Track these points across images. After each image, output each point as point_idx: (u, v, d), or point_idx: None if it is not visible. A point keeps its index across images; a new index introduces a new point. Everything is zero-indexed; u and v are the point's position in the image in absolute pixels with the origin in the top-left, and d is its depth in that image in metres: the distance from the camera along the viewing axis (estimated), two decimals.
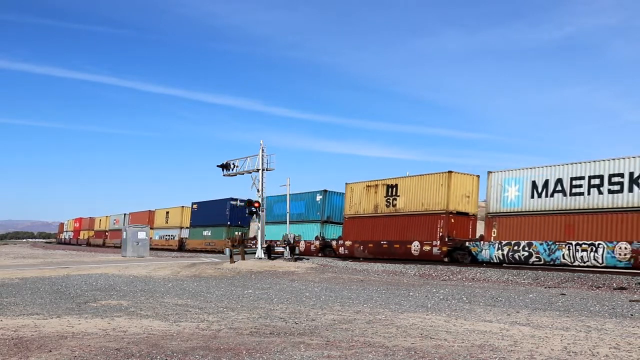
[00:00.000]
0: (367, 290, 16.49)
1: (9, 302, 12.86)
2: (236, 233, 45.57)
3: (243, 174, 33.16)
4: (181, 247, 54.06)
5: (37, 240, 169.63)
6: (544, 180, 24.42)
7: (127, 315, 10.65)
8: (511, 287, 18.34)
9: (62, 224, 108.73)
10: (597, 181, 22.56)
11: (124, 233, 40.31)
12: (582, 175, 23.10)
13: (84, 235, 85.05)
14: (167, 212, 58.81)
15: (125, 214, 69.17)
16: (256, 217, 32.02)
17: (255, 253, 31.67)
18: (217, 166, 34.14)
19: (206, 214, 50.85)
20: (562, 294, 15.89)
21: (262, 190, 31.81)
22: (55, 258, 37.91)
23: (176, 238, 55.55)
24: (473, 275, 22.26)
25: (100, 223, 78.33)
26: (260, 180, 31.73)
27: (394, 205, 31.24)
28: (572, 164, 23.71)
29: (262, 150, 31.65)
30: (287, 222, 35.40)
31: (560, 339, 8.43)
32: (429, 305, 12.96)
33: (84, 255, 44.43)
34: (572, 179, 23.47)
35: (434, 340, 8.23)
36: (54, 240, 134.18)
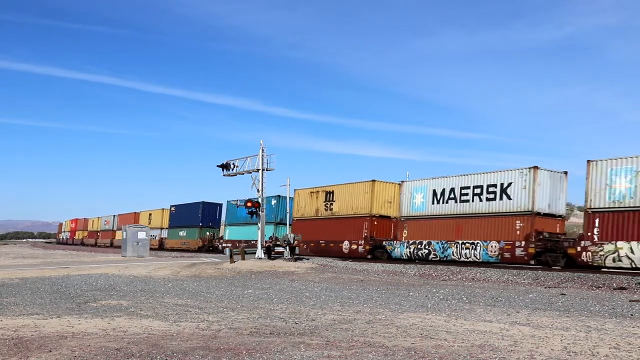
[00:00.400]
0: (367, 290, 16.49)
1: (9, 302, 12.86)
2: (207, 233, 50.15)
3: (243, 174, 33.18)
4: (161, 246, 57.38)
5: (37, 240, 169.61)
6: (441, 189, 29.20)
7: (127, 315, 10.65)
8: (511, 287, 18.35)
9: (60, 224, 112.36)
10: (478, 190, 27.45)
11: (124, 233, 40.31)
12: (469, 185, 27.87)
13: (79, 235, 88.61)
14: (150, 214, 62.22)
15: (114, 216, 72.64)
16: (256, 217, 32.03)
17: (255, 253, 31.69)
18: (217, 166, 34.17)
19: (182, 216, 54.57)
20: (562, 294, 15.90)
21: (262, 190, 31.83)
22: (55, 258, 37.92)
23: (157, 238, 58.65)
24: (473, 275, 22.27)
25: (92, 224, 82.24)
26: (260, 180, 31.73)
27: (331, 209, 35.68)
28: (462, 175, 28.51)
29: (262, 150, 31.66)
30: (287, 223, 35.42)
31: (560, 339, 8.43)
32: (429, 305, 12.96)
33: (83, 255, 44.43)
34: (461, 188, 28.23)
35: (434, 340, 8.23)
36: (54, 240, 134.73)
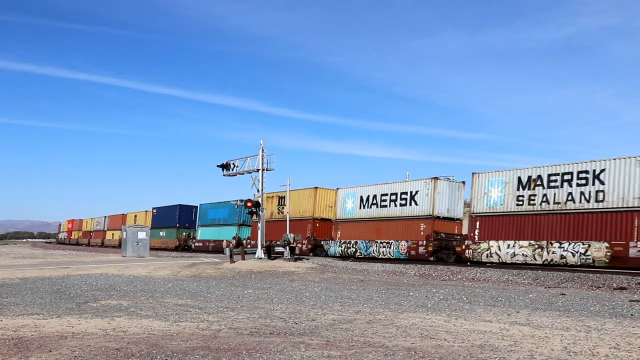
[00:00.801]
0: (367, 290, 16.48)
1: (9, 302, 12.86)
2: (183, 233, 54.97)
3: (243, 174, 33.17)
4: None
5: (37, 240, 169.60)
6: (366, 195, 34.09)
7: (127, 315, 10.65)
8: (511, 287, 18.35)
9: (59, 225, 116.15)
10: (394, 197, 32.42)
11: (124, 233, 40.32)
12: (387, 192, 32.85)
13: (74, 235, 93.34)
14: (135, 216, 66.35)
15: (105, 217, 77.38)
16: (256, 217, 32.03)
17: (255, 253, 31.68)
18: (217, 166, 34.15)
19: (162, 217, 59.36)
20: (562, 294, 15.90)
21: (262, 190, 31.82)
22: (55, 258, 37.91)
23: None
24: (473, 275, 22.27)
25: (86, 224, 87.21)
26: (260, 180, 31.73)
27: (282, 212, 39.70)
28: (382, 184, 33.37)
29: (262, 150, 31.64)
30: (287, 222, 35.45)
31: (560, 339, 8.43)
32: (429, 305, 12.96)
33: (83, 255, 44.43)
34: (381, 195, 33.16)
35: (434, 340, 8.23)
36: (53, 240, 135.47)
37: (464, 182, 31.54)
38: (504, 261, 25.35)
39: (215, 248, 47.46)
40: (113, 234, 71.77)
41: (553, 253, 23.70)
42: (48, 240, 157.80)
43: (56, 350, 7.25)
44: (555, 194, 24.21)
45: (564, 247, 23.44)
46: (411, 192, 31.45)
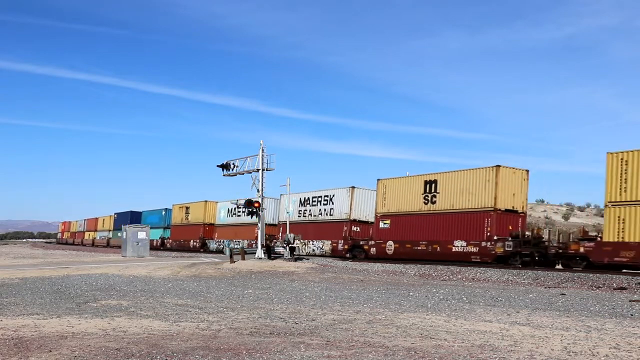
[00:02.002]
0: (367, 290, 16.49)
1: (9, 302, 12.86)
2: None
3: (243, 174, 33.15)
4: (108, 244, 74.03)
5: (37, 240, 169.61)
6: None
7: (127, 315, 10.65)
8: (511, 287, 18.35)
9: (59, 225, 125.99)
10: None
11: (124, 233, 40.33)
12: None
13: (65, 235, 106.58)
14: (104, 219, 79.66)
15: (85, 220, 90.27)
16: (256, 217, 32.03)
17: (255, 253, 31.69)
18: (217, 166, 34.14)
19: (120, 221, 69.79)
20: (562, 294, 15.90)
21: (262, 190, 31.80)
22: (55, 258, 37.92)
23: (106, 238, 76.64)
24: (473, 275, 22.28)
25: (73, 226, 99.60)
26: (260, 180, 31.72)
27: (188, 219, 54.74)
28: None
29: (262, 150, 31.64)
30: (287, 223, 35.45)
31: (560, 339, 8.43)
32: (429, 305, 12.96)
33: (83, 255, 44.44)
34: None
35: (434, 340, 8.23)
36: (53, 240, 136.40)
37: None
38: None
39: (152, 246, 61.72)
40: (89, 234, 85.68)
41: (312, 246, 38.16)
42: (48, 240, 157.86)
43: (56, 350, 7.25)
44: (312, 210, 39.31)
45: (314, 243, 38.18)
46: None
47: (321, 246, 37.78)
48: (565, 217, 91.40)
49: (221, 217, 49.46)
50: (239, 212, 44.92)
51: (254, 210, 31.47)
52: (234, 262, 28.31)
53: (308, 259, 32.13)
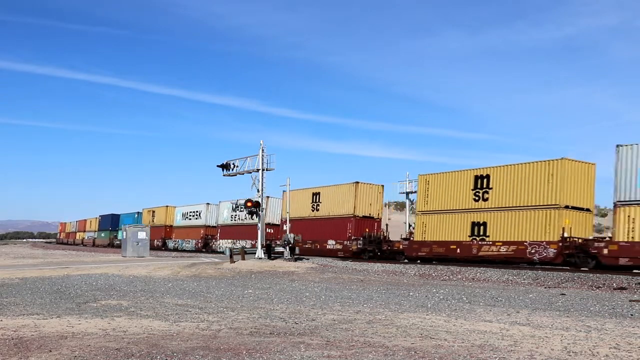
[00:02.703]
0: (367, 290, 16.48)
1: (9, 302, 12.85)
2: (111, 235, 74.12)
3: (243, 174, 33.15)
4: (94, 244, 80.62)
5: (37, 240, 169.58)
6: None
7: (127, 315, 10.65)
8: (511, 287, 18.34)
9: (59, 225, 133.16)
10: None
11: (124, 233, 40.33)
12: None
13: (62, 235, 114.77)
14: (91, 221, 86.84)
15: (77, 221, 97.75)
16: (256, 216, 32.02)
17: (254, 253, 31.69)
18: (217, 166, 34.14)
19: (103, 223, 78.52)
20: (562, 294, 15.90)
21: (262, 190, 31.80)
22: (55, 258, 37.91)
23: (92, 238, 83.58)
24: (473, 275, 22.27)
25: (68, 227, 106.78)
26: (260, 180, 31.71)
27: (154, 221, 61.06)
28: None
29: (262, 150, 31.63)
30: (287, 222, 35.45)
31: (560, 339, 8.43)
32: (429, 305, 12.95)
33: (83, 255, 44.43)
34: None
35: (434, 340, 8.23)
36: (53, 240, 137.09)
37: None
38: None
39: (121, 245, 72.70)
40: (80, 234, 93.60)
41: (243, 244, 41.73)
42: (48, 240, 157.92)
43: (56, 350, 7.25)
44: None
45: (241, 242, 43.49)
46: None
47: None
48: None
49: (177, 220, 59.83)
50: (190, 216, 55.98)
51: (254, 210, 31.47)
52: (234, 262, 28.31)
53: (308, 259, 32.13)
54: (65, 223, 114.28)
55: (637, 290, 16.92)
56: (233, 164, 33.58)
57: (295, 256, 31.45)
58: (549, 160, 24.76)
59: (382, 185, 36.76)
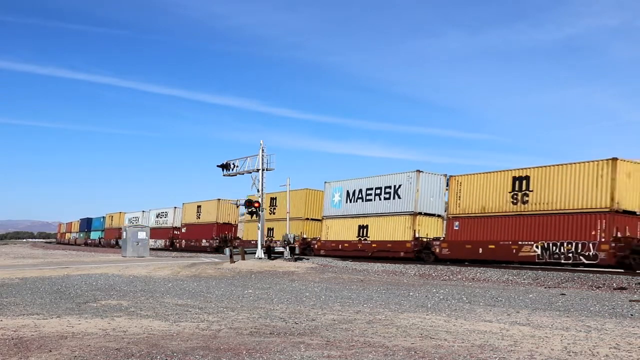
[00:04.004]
0: (367, 290, 16.48)
1: (9, 302, 12.85)
2: (86, 235, 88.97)
3: (243, 174, 33.16)
4: (75, 243, 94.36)
5: (37, 240, 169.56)
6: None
7: (127, 315, 10.65)
8: (511, 287, 18.34)
9: (59, 225, 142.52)
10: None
11: (124, 233, 40.34)
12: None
13: (59, 235, 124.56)
14: (74, 223, 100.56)
15: (67, 223, 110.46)
16: (256, 216, 32.02)
17: (255, 253, 31.69)
18: (217, 166, 34.14)
19: (83, 225, 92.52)
20: (562, 294, 15.90)
21: (262, 190, 31.81)
22: (55, 258, 37.91)
23: (74, 238, 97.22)
24: (473, 275, 22.27)
25: (62, 227, 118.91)
26: (260, 180, 31.72)
27: (112, 224, 75.73)
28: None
29: (262, 150, 31.63)
30: (287, 221, 35.46)
31: (560, 339, 8.43)
32: (429, 305, 12.95)
33: (83, 255, 44.43)
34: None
35: (434, 340, 8.23)
36: (53, 240, 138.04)
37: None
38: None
39: (93, 243, 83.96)
40: (68, 234, 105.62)
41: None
42: (48, 240, 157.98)
43: (56, 350, 7.25)
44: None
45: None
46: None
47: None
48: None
49: (127, 221, 69.02)
50: (141, 219, 66.81)
51: (254, 210, 31.48)
52: (234, 262, 28.30)
53: (308, 259, 32.13)
54: (60, 224, 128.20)
55: (637, 290, 16.92)
56: (233, 164, 33.58)
57: (295, 256, 31.45)
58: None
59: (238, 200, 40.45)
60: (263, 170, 31.63)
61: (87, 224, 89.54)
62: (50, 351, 7.21)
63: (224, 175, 34.03)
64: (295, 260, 30.51)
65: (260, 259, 30.62)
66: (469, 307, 12.73)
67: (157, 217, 60.89)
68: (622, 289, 17.44)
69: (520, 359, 6.96)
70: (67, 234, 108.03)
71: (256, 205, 31.40)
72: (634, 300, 14.31)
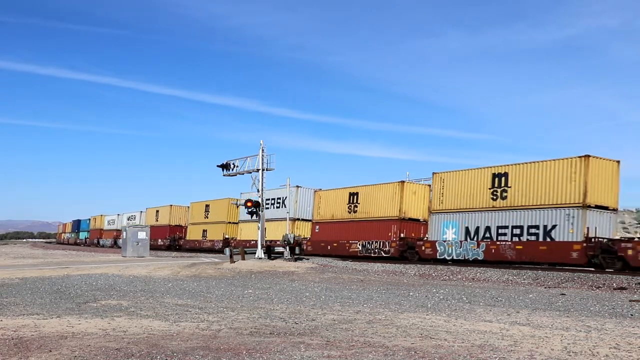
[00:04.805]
0: (367, 290, 16.48)
1: (9, 302, 12.85)
2: (76, 235, 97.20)
3: (243, 173, 33.16)
4: (67, 242, 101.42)
5: (37, 240, 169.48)
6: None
7: (127, 315, 10.65)
8: (511, 287, 18.34)
9: (59, 225, 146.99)
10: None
11: (124, 233, 40.33)
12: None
13: (59, 235, 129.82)
14: (66, 224, 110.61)
15: (63, 224, 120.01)
16: (256, 216, 32.01)
17: (255, 253, 31.69)
18: (217, 166, 34.14)
19: (74, 225, 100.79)
20: (562, 294, 15.90)
21: (262, 190, 31.81)
22: (55, 258, 37.91)
23: (67, 238, 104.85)
24: (473, 275, 22.27)
25: (60, 228, 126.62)
26: (260, 180, 31.71)
27: (95, 225, 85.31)
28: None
29: (262, 150, 31.63)
30: (287, 221, 35.48)
31: (560, 339, 8.43)
32: (429, 305, 12.96)
33: (83, 255, 44.43)
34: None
35: (434, 340, 8.23)
36: (54, 240, 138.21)
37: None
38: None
39: (81, 242, 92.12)
40: (63, 235, 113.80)
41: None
42: (48, 240, 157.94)
43: (56, 350, 7.25)
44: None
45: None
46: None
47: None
48: None
49: (107, 223, 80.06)
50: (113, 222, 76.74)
51: (255, 210, 31.48)
52: (234, 262, 28.30)
53: (308, 259, 32.13)
54: (60, 224, 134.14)
55: (637, 290, 16.92)
56: (233, 164, 33.58)
57: (295, 256, 31.45)
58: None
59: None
60: (263, 170, 31.64)
61: (77, 225, 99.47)
62: (50, 351, 7.22)
63: (224, 175, 34.04)
64: (295, 260, 30.51)
65: (260, 259, 30.62)
66: (469, 307, 12.73)
67: (128, 219, 71.30)
68: (622, 289, 17.44)
69: (520, 359, 6.96)
70: (62, 234, 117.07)
71: (255, 205, 31.42)
72: (634, 300, 14.31)
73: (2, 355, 6.96)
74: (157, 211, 62.97)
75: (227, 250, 31.12)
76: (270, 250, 32.35)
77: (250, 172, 32.39)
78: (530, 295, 15.42)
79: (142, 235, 39.22)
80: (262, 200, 31.92)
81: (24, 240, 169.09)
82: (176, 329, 9.12)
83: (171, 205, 60.11)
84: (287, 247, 31.09)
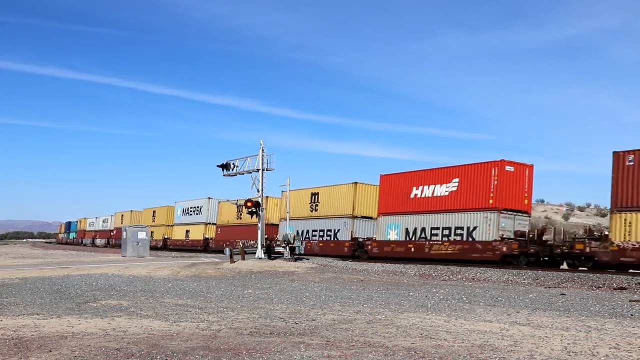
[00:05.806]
0: (367, 290, 16.49)
1: (9, 302, 12.85)
2: (69, 235, 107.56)
3: (243, 174, 33.13)
4: (62, 241, 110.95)
5: (37, 240, 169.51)
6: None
7: (127, 315, 10.65)
8: (511, 287, 18.35)
9: (59, 225, 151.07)
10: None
11: (124, 233, 40.34)
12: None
13: (57, 235, 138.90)
14: (63, 225, 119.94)
15: (60, 224, 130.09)
16: (256, 216, 32.01)
17: (255, 253, 31.68)
18: (217, 166, 34.12)
19: (67, 227, 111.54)
20: (562, 294, 15.90)
21: (262, 190, 31.79)
22: (55, 258, 37.92)
23: (62, 238, 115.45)
24: (473, 275, 22.28)
25: (57, 228, 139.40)
26: (260, 180, 31.70)
27: (80, 227, 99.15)
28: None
29: (262, 150, 31.62)
30: (287, 221, 35.48)
31: (560, 339, 8.43)
32: (429, 305, 12.96)
33: (83, 255, 44.44)
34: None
35: (434, 340, 8.23)
36: (54, 240, 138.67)
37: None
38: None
39: (71, 242, 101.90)
40: (60, 234, 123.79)
41: None
42: (48, 240, 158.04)
43: (56, 350, 7.25)
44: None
45: None
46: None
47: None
48: (565, 217, 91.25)
49: (88, 225, 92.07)
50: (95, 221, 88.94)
51: (255, 210, 31.47)
52: (234, 262, 28.30)
53: (308, 259, 32.14)
54: (59, 224, 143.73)
55: (637, 290, 16.93)
56: (233, 164, 33.56)
57: (295, 256, 31.45)
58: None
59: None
60: (263, 170, 31.62)
61: (69, 226, 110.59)
62: (50, 351, 7.22)
63: (224, 175, 34.01)
64: (295, 260, 30.51)
65: (260, 259, 30.62)
66: (469, 307, 12.73)
67: (103, 222, 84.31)
68: (622, 289, 17.45)
69: (521, 359, 6.97)
70: (59, 234, 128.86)
71: (255, 205, 31.42)
72: (634, 300, 14.31)
73: (2, 355, 6.96)
74: (122, 215, 75.04)
75: (227, 250, 31.12)
76: (270, 250, 32.35)
77: (250, 172, 32.38)
78: (530, 295, 15.42)
79: (142, 235, 39.23)
80: (262, 200, 31.91)
81: (24, 240, 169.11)
82: (176, 329, 9.12)
83: (131, 211, 72.46)
84: (287, 247, 31.08)
